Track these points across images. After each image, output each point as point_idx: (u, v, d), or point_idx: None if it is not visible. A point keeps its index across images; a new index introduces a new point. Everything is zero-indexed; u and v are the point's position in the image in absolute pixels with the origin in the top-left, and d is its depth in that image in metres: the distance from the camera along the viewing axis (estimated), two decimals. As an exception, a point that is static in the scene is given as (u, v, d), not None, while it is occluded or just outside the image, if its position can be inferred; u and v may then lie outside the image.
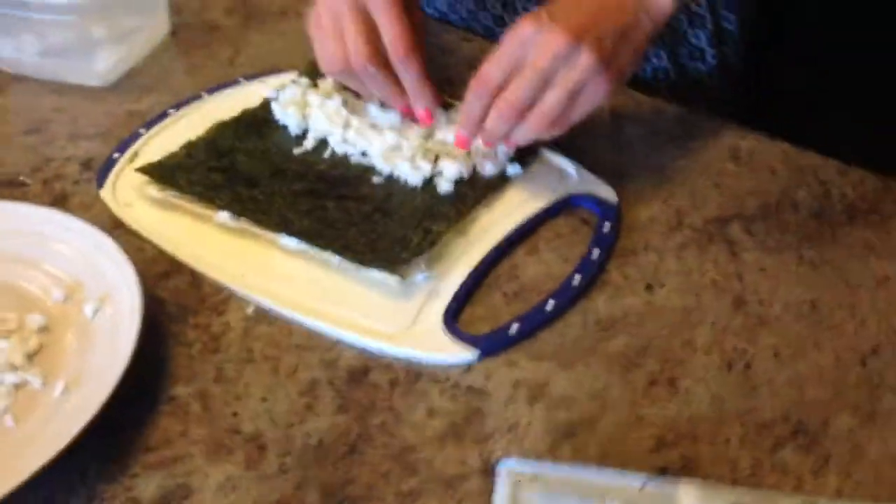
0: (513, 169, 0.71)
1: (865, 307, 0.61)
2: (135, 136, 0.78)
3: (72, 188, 0.74)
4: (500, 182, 0.71)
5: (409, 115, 0.74)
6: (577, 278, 0.63)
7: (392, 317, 0.61)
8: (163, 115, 0.80)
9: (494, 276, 0.65)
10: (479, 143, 0.69)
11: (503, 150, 0.71)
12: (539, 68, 0.62)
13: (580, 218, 0.69)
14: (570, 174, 0.72)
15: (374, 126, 0.74)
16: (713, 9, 0.86)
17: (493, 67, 0.64)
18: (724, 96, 0.90)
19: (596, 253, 0.65)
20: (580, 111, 0.64)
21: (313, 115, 0.75)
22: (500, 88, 0.64)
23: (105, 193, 0.72)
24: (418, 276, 0.63)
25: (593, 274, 0.64)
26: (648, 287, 0.63)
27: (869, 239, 0.66)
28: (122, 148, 0.77)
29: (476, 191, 0.69)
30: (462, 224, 0.67)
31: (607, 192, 0.70)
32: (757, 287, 0.63)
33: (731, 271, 0.64)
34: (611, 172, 0.72)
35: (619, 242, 0.67)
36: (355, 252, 0.64)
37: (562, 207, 0.70)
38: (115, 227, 0.69)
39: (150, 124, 0.79)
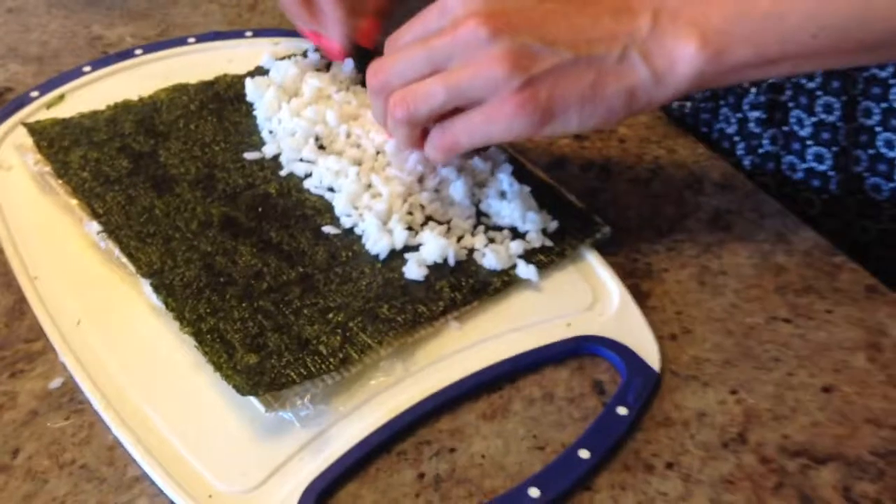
0: (525, 271, 0.47)
1: None
2: (75, 73, 0.59)
3: (-38, 123, 0.55)
4: (499, 285, 0.47)
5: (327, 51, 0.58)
6: (536, 494, 0.39)
7: (232, 466, 0.39)
8: (126, 55, 0.61)
9: (417, 441, 0.41)
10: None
11: (524, 240, 0.48)
12: (429, 46, 0.46)
13: (592, 379, 0.45)
14: (610, 301, 0.48)
15: (355, 159, 0.51)
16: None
17: (402, 33, 0.48)
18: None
19: (586, 452, 0.41)
20: (471, 132, 0.46)
21: (291, 111, 0.54)
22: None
23: (-10, 143, 0.53)
24: (298, 412, 0.41)
25: (568, 488, 0.40)
26: (647, 538, 0.39)
27: None
28: (50, 85, 0.58)
29: (457, 290, 0.46)
30: (412, 338, 0.44)
31: (650, 348, 0.45)
32: None
33: (792, 555, 0.39)
34: (673, 316, 0.47)
35: (632, 441, 0.42)
36: (226, 343, 0.42)
37: (573, 352, 0.45)
38: (-27, 196, 0.50)
39: (100, 63, 0.60)
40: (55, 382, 0.43)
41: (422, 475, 0.40)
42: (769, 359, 0.46)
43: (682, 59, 0.44)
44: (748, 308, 0.48)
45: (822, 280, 0.50)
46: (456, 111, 0.46)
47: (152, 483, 0.39)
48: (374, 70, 0.48)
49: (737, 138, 0.62)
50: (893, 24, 0.44)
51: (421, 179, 0.51)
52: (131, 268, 0.46)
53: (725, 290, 0.49)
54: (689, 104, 0.64)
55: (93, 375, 0.42)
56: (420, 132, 0.49)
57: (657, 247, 0.51)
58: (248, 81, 0.56)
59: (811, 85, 0.58)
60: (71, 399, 0.42)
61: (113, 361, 0.43)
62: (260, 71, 0.59)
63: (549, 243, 0.49)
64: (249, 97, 0.56)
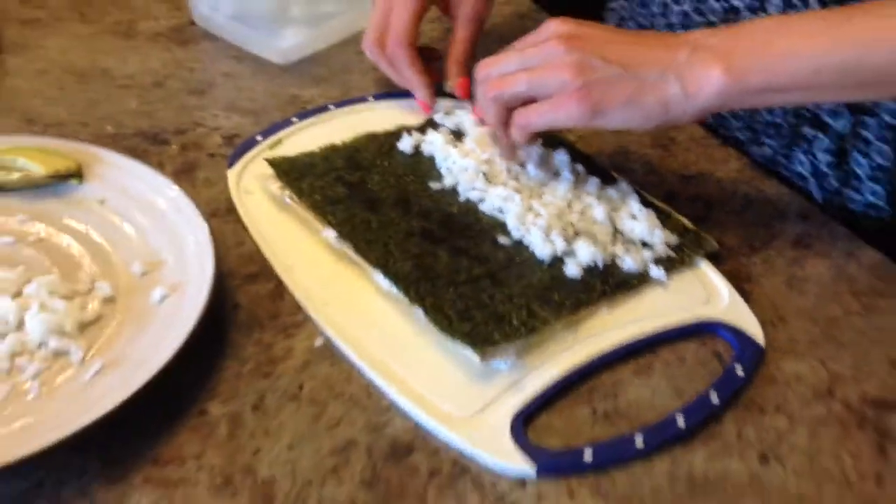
0: (656, 272, 0.62)
1: None
2: (285, 123, 0.75)
3: (205, 160, 0.71)
4: (636, 282, 0.62)
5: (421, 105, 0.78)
6: (682, 419, 0.54)
7: (459, 398, 0.54)
8: (321, 109, 0.77)
9: (589, 387, 0.56)
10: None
11: (651, 249, 0.63)
12: (522, 48, 0.64)
13: (713, 350, 0.59)
14: (721, 296, 0.62)
15: (521, 185, 0.67)
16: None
17: (513, 46, 0.66)
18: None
19: (715, 396, 0.55)
20: (539, 115, 0.63)
21: (461, 152, 0.69)
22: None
23: (231, 175, 0.69)
24: (502, 363, 0.55)
25: (703, 420, 0.54)
26: (763, 457, 0.53)
27: None
28: (268, 132, 0.74)
29: (605, 285, 0.61)
30: (575, 317, 0.59)
31: (755, 330, 0.60)
32: (897, 500, 0.51)
33: (872, 471, 0.52)
34: (770, 308, 0.62)
35: (748, 393, 0.56)
36: (445, 315, 0.57)
37: (696, 332, 0.60)
38: (228, 213, 0.66)
39: (304, 115, 0.76)
40: (318, 342, 0.58)
41: (595, 411, 0.55)
42: (847, 340, 0.60)
43: (709, 81, 0.59)
44: (828, 305, 0.63)
45: (886, 285, 0.64)
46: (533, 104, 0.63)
47: (402, 410, 0.54)
48: (482, 66, 0.66)
49: (809, 177, 0.77)
50: (883, 69, 0.58)
51: (569, 205, 0.66)
52: (364, 263, 0.61)
53: (809, 293, 0.64)
54: (768, 150, 0.79)
55: (346, 337, 0.57)
56: (505, 114, 0.65)
57: (754, 259, 0.66)
58: (430, 134, 0.72)
59: (867, 134, 0.73)
60: (331, 355, 0.57)
61: (359, 330, 0.58)
62: (432, 123, 0.74)
63: (672, 254, 0.64)
64: (426, 142, 0.72)
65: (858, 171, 0.75)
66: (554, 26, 0.64)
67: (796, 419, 0.55)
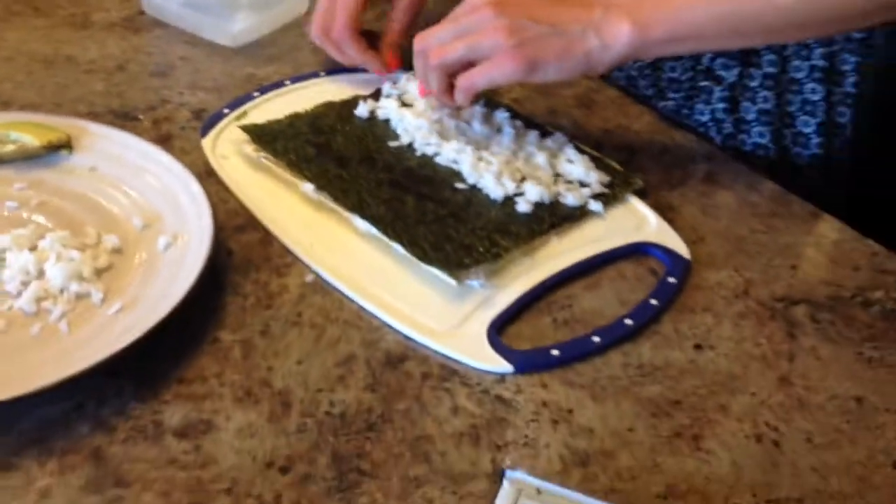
0: (594, 206, 0.72)
1: (914, 417, 0.60)
2: (247, 97, 0.82)
3: (178, 132, 0.78)
4: (578, 215, 0.72)
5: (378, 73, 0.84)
6: (629, 322, 0.63)
7: (440, 315, 0.62)
8: (278, 84, 0.84)
9: (548, 301, 0.65)
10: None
11: (588, 188, 0.73)
12: (454, 19, 0.71)
13: (649, 267, 0.69)
14: (650, 223, 0.72)
15: (469, 139, 0.76)
16: (829, 99, 0.86)
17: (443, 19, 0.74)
18: (823, 187, 0.89)
19: (654, 302, 0.65)
20: (481, 75, 0.70)
21: (415, 117, 0.78)
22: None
23: (206, 143, 0.76)
24: (474, 283, 0.64)
25: (646, 321, 0.64)
26: (697, 346, 0.63)
27: (936, 353, 0.65)
28: (233, 105, 0.80)
29: (553, 217, 0.70)
30: (530, 245, 0.68)
31: (681, 248, 0.70)
32: (806, 372, 0.62)
33: (784, 350, 0.63)
34: (690, 231, 0.72)
35: (680, 298, 0.67)
36: (421, 248, 0.65)
37: (633, 252, 0.70)
38: (208, 176, 0.73)
39: (264, 90, 0.83)
40: (308, 278, 0.65)
41: (555, 319, 0.64)
42: (755, 252, 0.71)
43: (621, 34, 0.69)
44: (737, 226, 0.74)
45: (781, 207, 0.76)
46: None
47: (392, 328, 0.62)
48: (419, 39, 0.73)
49: (710, 123, 0.89)
50: (758, 19, 0.69)
51: (514, 153, 0.75)
52: (342, 210, 0.69)
53: (721, 217, 0.75)
54: (671, 103, 0.90)
55: (336, 273, 0.65)
56: (447, 81, 0.73)
57: (673, 193, 0.76)
58: (382, 101, 0.80)
59: (752, 84, 0.85)
60: (322, 288, 0.65)
61: (344, 264, 0.66)
62: (379, 93, 0.83)
63: (606, 191, 0.74)
64: (381, 112, 0.80)
65: (747, 117, 0.87)
66: None
67: (721, 315, 0.66)
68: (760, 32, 0.72)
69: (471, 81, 0.72)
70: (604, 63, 0.71)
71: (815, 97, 0.86)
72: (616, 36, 0.70)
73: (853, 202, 0.86)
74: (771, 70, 0.86)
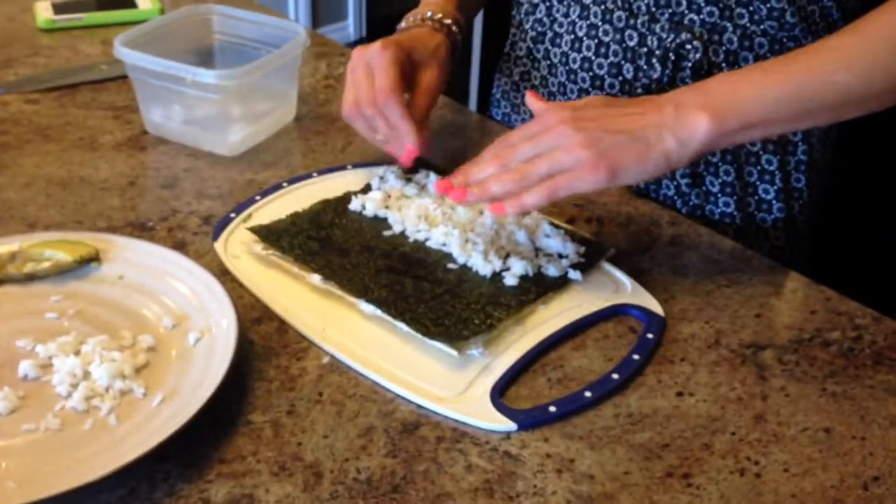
0: (574, 275, 0.80)
1: (875, 441, 0.67)
2: (250, 201, 0.90)
3: (191, 238, 0.85)
4: (560, 284, 0.79)
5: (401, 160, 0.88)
6: (616, 376, 0.71)
7: (446, 383, 0.69)
8: (277, 187, 0.92)
9: (542, 363, 0.73)
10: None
11: (567, 259, 0.81)
12: (531, 137, 0.75)
13: (628, 326, 0.77)
14: (625, 286, 0.80)
15: (455, 223, 0.84)
16: (784, 168, 0.95)
17: (511, 136, 0.77)
18: (785, 245, 0.98)
19: (636, 356, 0.73)
20: (564, 188, 0.73)
21: (404, 207, 0.86)
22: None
23: (218, 245, 0.83)
24: (474, 352, 0.72)
25: (631, 374, 0.71)
26: (679, 393, 0.70)
27: (891, 383, 0.72)
28: (239, 209, 0.88)
29: (538, 288, 0.78)
30: (520, 314, 0.76)
31: (656, 307, 0.78)
32: (778, 409, 0.69)
33: (757, 391, 0.71)
34: (662, 290, 0.80)
35: (659, 351, 0.74)
36: (422, 324, 0.73)
37: (613, 313, 0.78)
38: (223, 275, 0.80)
39: (265, 193, 0.91)
40: (324, 360, 0.72)
41: (549, 379, 0.71)
42: (722, 305, 0.79)
43: (697, 130, 0.72)
44: (704, 283, 0.82)
45: (743, 264, 0.84)
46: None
47: (405, 398, 0.69)
48: (495, 159, 0.76)
49: (675, 197, 0.98)
50: (818, 101, 0.74)
51: (496, 233, 0.83)
52: (348, 296, 0.76)
53: (689, 276, 0.83)
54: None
55: (348, 354, 0.72)
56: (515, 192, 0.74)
57: (643, 258, 0.85)
58: (354, 198, 0.88)
59: (715, 159, 0.94)
60: (338, 368, 0.71)
61: (355, 345, 0.73)
62: (368, 187, 0.91)
63: (582, 260, 0.82)
64: (368, 206, 0.88)
65: (713, 189, 0.96)
66: (556, 115, 0.75)
67: (697, 364, 0.73)
68: (826, 110, 0.75)
69: (552, 190, 0.73)
70: (683, 160, 0.74)
71: (771, 167, 0.95)
72: (692, 133, 0.73)
73: (816, 257, 0.95)
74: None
